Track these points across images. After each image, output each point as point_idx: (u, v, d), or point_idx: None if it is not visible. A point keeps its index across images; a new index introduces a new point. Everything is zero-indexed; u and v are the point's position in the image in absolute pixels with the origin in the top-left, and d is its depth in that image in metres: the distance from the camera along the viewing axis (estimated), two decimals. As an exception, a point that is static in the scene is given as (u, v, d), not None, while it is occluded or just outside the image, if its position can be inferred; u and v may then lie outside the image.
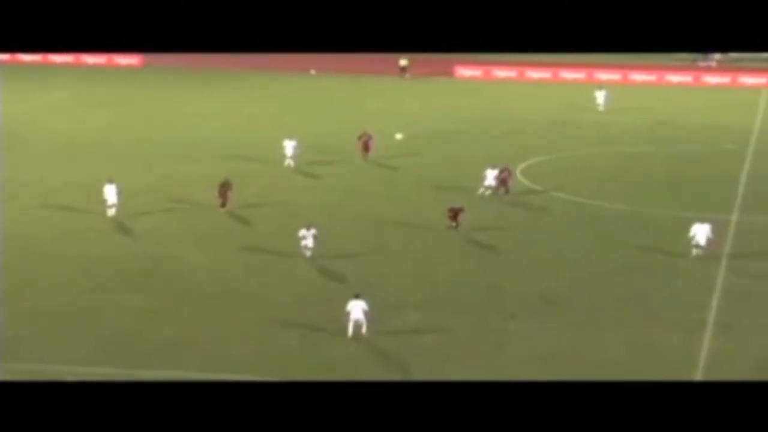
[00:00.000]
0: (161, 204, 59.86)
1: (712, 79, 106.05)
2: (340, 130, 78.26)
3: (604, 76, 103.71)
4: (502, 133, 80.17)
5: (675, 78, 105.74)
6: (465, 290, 47.20)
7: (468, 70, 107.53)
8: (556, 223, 57.94)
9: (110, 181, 57.36)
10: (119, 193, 56.98)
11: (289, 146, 68.15)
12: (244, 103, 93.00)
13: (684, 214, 58.20)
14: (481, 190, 61.66)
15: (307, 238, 50.13)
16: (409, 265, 50.36)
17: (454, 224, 54.70)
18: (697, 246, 50.11)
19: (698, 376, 38.64)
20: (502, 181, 62.30)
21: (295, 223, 53.69)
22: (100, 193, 57.08)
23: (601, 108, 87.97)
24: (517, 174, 65.99)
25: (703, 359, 40.13)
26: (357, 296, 41.81)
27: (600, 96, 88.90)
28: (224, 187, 58.67)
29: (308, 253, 50.09)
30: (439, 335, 42.16)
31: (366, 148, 70.03)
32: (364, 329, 41.29)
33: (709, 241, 50.31)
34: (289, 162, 68.00)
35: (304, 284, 47.51)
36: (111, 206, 56.83)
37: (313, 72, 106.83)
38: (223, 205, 58.36)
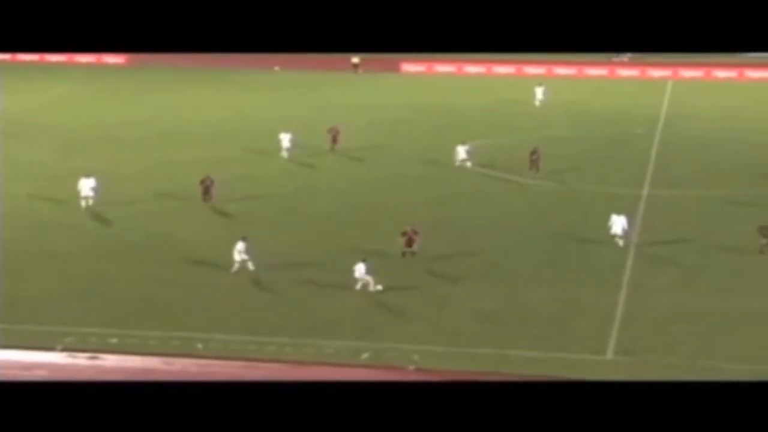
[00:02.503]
0: (152, 187, 59.56)
1: (624, 72, 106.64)
2: (306, 122, 78.08)
3: (532, 70, 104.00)
4: (445, 121, 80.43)
5: (593, 71, 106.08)
6: (412, 258, 47.50)
7: (412, 66, 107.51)
8: (492, 198, 58.36)
9: (87, 176, 55.46)
10: (95, 187, 54.93)
11: (285, 139, 66.83)
12: (217, 97, 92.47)
13: (602, 189, 58.98)
14: (458, 164, 63.56)
15: (242, 252, 44.77)
16: (365, 238, 50.65)
17: (408, 249, 46.95)
18: (615, 236, 48.64)
19: (615, 329, 39.19)
20: (533, 161, 62.86)
21: (272, 203, 53.89)
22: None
23: (538, 102, 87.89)
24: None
25: (619, 314, 40.73)
26: (364, 260, 42.87)
27: (539, 91, 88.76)
28: (205, 183, 56.45)
29: (236, 266, 44.63)
30: (394, 297, 42.46)
31: (335, 140, 69.46)
32: (370, 287, 42.42)
33: (625, 231, 48.80)
34: (284, 153, 66.54)
35: (277, 254, 47.63)
36: (84, 198, 54.81)
37: (276, 69, 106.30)
38: (206, 199, 56.03)
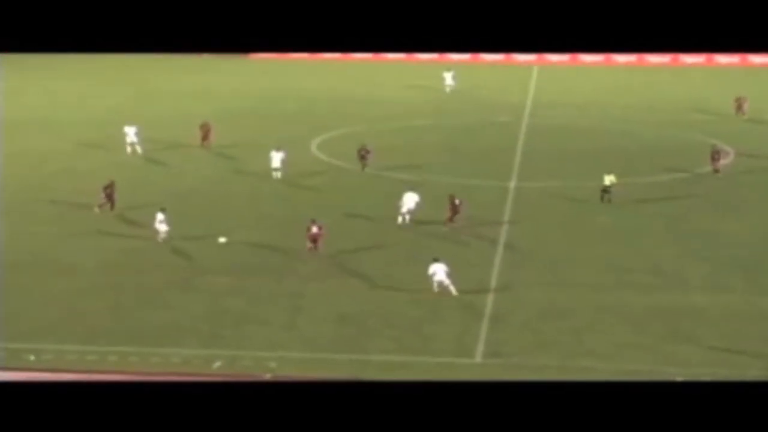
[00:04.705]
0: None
1: (487, 57, 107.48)
2: (153, 113, 77.24)
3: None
4: (295, 111, 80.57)
5: (453, 56, 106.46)
6: (264, 257, 47.72)
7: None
8: (345, 192, 58.74)
9: None
10: None
11: (130, 132, 65.49)
12: (40, 83, 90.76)
13: (468, 181, 59.87)
14: (274, 174, 60.78)
15: (162, 222, 48.90)
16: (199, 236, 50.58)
17: (312, 246, 47.84)
18: (407, 213, 51.89)
19: (483, 329, 39.91)
20: (361, 156, 62.79)
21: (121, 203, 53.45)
22: None
23: (452, 87, 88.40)
24: (312, 148, 66.81)
25: (487, 313, 41.45)
26: (436, 260, 43.18)
27: (448, 77, 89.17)
28: (109, 189, 54.23)
29: (162, 236, 48.95)
30: (245, 300, 42.58)
31: (206, 137, 68.00)
32: (452, 288, 42.65)
33: (411, 211, 51.95)
34: (131, 148, 65.40)
35: (108, 258, 47.31)
36: None
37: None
38: (105, 206, 53.99)
